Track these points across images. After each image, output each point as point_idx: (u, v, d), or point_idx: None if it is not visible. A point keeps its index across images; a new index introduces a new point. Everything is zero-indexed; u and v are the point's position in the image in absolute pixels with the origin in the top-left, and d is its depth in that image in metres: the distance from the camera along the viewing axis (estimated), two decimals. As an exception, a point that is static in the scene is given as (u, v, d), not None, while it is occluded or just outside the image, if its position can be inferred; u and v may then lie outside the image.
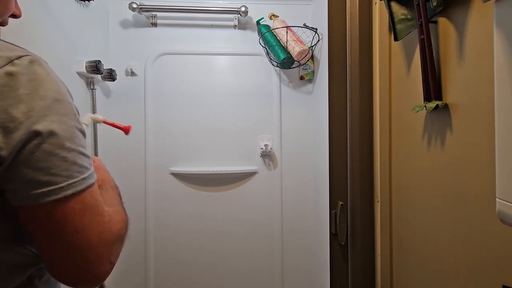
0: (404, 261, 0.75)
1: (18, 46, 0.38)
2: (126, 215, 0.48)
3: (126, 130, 0.96)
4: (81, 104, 1.20)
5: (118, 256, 0.43)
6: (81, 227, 0.36)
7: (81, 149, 0.38)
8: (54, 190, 0.34)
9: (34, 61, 0.36)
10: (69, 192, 0.35)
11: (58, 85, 0.38)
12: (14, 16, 0.48)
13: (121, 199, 0.54)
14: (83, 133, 0.40)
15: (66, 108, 0.37)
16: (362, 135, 0.86)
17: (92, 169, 0.40)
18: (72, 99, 0.41)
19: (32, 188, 0.34)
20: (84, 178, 0.37)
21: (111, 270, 0.41)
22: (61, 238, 0.36)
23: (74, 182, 0.36)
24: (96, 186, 0.40)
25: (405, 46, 0.73)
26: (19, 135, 0.33)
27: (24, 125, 0.33)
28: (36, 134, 0.34)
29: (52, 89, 0.36)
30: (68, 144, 0.36)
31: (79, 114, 0.41)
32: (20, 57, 0.35)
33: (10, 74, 0.33)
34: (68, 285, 0.39)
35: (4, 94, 0.33)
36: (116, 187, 0.59)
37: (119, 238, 0.42)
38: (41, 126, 0.34)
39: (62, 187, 0.35)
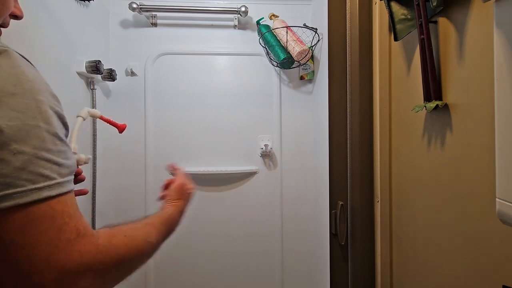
0: (404, 261, 0.75)
1: None
2: (127, 246, 0.38)
3: (120, 128, 0.96)
4: (81, 104, 1.20)
5: None
6: (20, 244, 0.29)
7: (42, 153, 0.31)
8: None
9: (1, 52, 0.32)
10: (6, 204, 0.29)
11: (23, 78, 0.32)
12: (16, 17, 0.46)
13: (157, 232, 0.48)
14: (55, 136, 0.34)
15: (26, 104, 0.31)
16: (362, 135, 0.86)
17: (60, 179, 0.33)
18: (54, 101, 0.36)
19: None
20: (37, 189, 0.30)
21: None
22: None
23: (15, 193, 0.29)
24: (65, 198, 0.33)
25: (405, 46, 0.73)
26: None
27: None
28: None
29: (10, 82, 0.31)
30: (14, 146, 0.30)
31: (61, 118, 0.36)
32: None
33: None
34: None
35: None
36: (168, 221, 0.53)
37: (84, 266, 0.32)
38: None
39: (9, 194, 0.29)
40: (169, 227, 0.53)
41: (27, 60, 0.36)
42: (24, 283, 0.29)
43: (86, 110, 0.90)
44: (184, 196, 0.62)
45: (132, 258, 0.39)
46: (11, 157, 0.29)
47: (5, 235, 0.29)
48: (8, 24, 0.46)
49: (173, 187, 0.63)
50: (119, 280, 0.37)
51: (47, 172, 0.32)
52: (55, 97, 0.37)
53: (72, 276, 0.31)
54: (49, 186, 0.32)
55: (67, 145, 0.36)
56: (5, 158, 0.29)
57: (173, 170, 0.71)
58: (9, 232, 0.29)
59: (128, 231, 0.41)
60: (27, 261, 0.29)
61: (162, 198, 0.63)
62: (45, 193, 0.31)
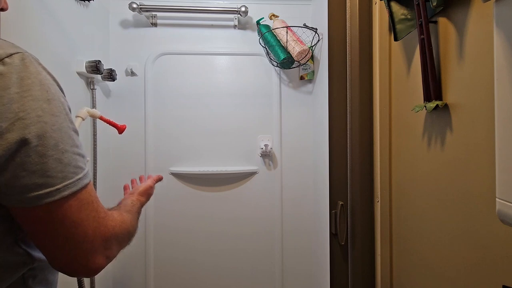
0: (404, 261, 0.75)
1: (6, 41, 0.37)
2: (130, 222, 0.51)
3: (120, 129, 0.96)
4: (81, 104, 1.20)
5: (114, 253, 0.44)
6: (77, 221, 0.38)
7: (75, 149, 0.38)
8: (50, 192, 0.35)
9: (25, 58, 0.35)
10: (66, 193, 0.36)
11: (50, 83, 0.37)
12: (2, 9, 0.48)
13: (137, 217, 0.61)
14: (76, 132, 0.40)
15: (59, 107, 0.37)
16: (362, 135, 0.86)
17: (86, 168, 0.40)
18: (64, 96, 0.40)
19: (29, 191, 0.34)
20: (79, 179, 0.38)
21: (106, 264, 0.42)
22: (58, 234, 0.37)
23: (70, 183, 0.37)
24: (91, 184, 0.41)
25: (405, 46, 0.73)
26: (12, 137, 0.32)
27: (16, 126, 0.33)
28: (30, 137, 0.33)
29: (44, 89, 0.36)
30: (61, 146, 0.36)
31: (71, 112, 0.41)
32: (10, 55, 0.34)
33: (0, 74, 0.33)
34: (67, 274, 0.40)
35: None
36: (139, 210, 0.66)
37: (115, 235, 0.43)
38: (35, 129, 0.34)
39: (58, 189, 0.35)
40: (139, 214, 0.65)
41: (36, 59, 0.39)
42: (77, 250, 0.38)
43: (85, 110, 0.89)
44: (147, 197, 0.73)
45: (133, 232, 0.53)
46: (61, 155, 0.36)
47: (65, 216, 0.37)
48: None
49: (142, 186, 0.74)
50: (123, 247, 0.48)
51: (81, 164, 0.39)
52: (62, 91, 0.41)
53: (108, 242, 0.42)
54: (84, 176, 0.39)
55: None
56: (58, 157, 0.35)
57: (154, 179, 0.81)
58: (69, 214, 0.37)
59: (127, 213, 0.54)
60: (82, 233, 0.38)
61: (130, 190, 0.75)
62: (85, 181, 0.39)
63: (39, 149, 0.34)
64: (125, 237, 0.47)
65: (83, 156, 0.40)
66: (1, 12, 0.50)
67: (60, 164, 0.36)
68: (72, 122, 0.39)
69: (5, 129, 0.32)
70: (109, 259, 0.42)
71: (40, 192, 0.34)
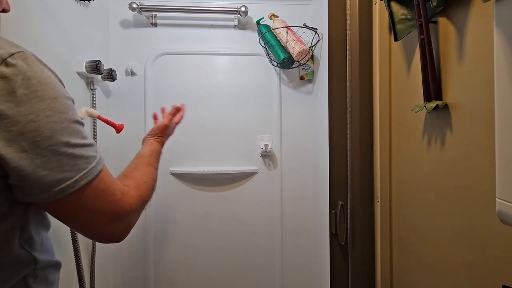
0: (404, 261, 0.75)
1: (5, 39, 0.37)
2: (148, 188, 0.56)
3: (118, 129, 0.96)
4: (81, 104, 1.20)
5: (135, 221, 0.50)
6: (96, 207, 0.42)
7: (84, 141, 0.40)
8: (70, 184, 0.38)
9: (27, 58, 0.36)
10: (83, 182, 0.39)
11: (54, 80, 0.38)
12: (4, 10, 0.48)
13: (156, 166, 0.66)
14: (82, 124, 0.42)
15: (64, 104, 0.38)
16: (362, 135, 0.86)
17: (98, 154, 0.43)
18: (64, 88, 0.41)
19: (51, 187, 0.37)
20: (93, 167, 0.41)
21: (129, 232, 0.49)
22: (82, 217, 0.42)
23: (85, 173, 0.40)
24: (105, 169, 0.44)
25: (405, 46, 0.73)
26: (25, 139, 0.34)
27: (28, 129, 0.34)
28: (43, 138, 0.35)
29: (49, 87, 0.37)
30: (72, 141, 0.38)
31: (74, 103, 0.42)
32: (12, 54, 0.34)
33: (4, 77, 0.33)
34: (96, 241, 0.47)
35: (2, 98, 0.32)
36: (158, 154, 0.71)
37: (132, 210, 0.48)
38: (45, 130, 0.35)
39: (76, 180, 0.38)
40: (158, 160, 0.70)
41: (35, 55, 0.39)
42: (101, 229, 0.44)
43: (83, 109, 0.89)
44: (165, 135, 0.80)
45: (150, 195, 0.58)
46: (74, 150, 0.38)
47: (85, 203, 0.41)
48: None
49: (158, 125, 0.80)
50: (144, 208, 0.54)
51: (92, 153, 0.42)
52: (63, 84, 0.42)
53: (127, 218, 0.47)
54: (97, 163, 0.42)
55: None
56: (71, 152, 0.38)
57: (173, 112, 0.86)
58: (88, 201, 0.41)
59: (143, 176, 0.58)
60: (102, 217, 0.43)
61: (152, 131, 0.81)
62: (99, 167, 0.42)
63: (53, 148, 0.36)
64: (144, 202, 0.53)
65: (92, 145, 0.42)
66: (2, 14, 0.49)
67: (73, 158, 0.38)
68: (76, 114, 0.41)
69: (17, 132, 0.33)
70: (130, 228, 0.49)
71: (62, 185, 0.37)
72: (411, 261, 0.72)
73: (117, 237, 0.47)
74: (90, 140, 0.42)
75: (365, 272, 0.86)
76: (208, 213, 1.48)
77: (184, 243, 1.47)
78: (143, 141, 0.78)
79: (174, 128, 0.86)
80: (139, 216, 0.52)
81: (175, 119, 0.87)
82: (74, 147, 0.38)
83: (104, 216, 0.43)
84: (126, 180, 0.54)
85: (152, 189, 0.59)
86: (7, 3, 0.48)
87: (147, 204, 0.56)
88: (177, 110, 0.87)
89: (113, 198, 0.44)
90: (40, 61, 0.38)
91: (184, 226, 1.47)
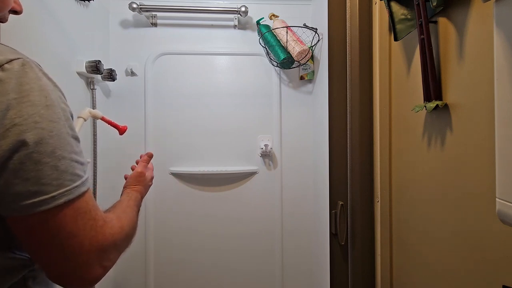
0: (404, 261, 0.75)
1: (7, 46, 0.37)
2: (129, 225, 0.48)
3: (121, 130, 0.96)
4: (81, 104, 1.20)
5: (112, 261, 0.42)
6: (73, 232, 0.36)
7: (73, 156, 0.37)
8: (44, 200, 0.34)
9: (25, 64, 0.35)
10: (61, 201, 0.35)
11: (50, 89, 0.37)
12: (15, 12, 0.47)
13: (136, 211, 0.58)
14: (77, 139, 0.39)
15: (58, 114, 0.36)
16: (362, 135, 0.86)
17: (85, 176, 0.39)
18: (66, 103, 0.39)
19: (22, 199, 0.33)
20: (76, 186, 0.36)
21: (104, 274, 0.40)
22: (53, 244, 0.35)
23: (65, 191, 0.35)
24: (89, 192, 0.39)
25: (405, 46, 0.73)
26: (6, 143, 0.32)
27: (12, 132, 0.32)
28: (25, 143, 0.32)
29: (43, 95, 0.35)
30: (59, 152, 0.35)
31: (73, 118, 0.40)
32: (10, 60, 0.34)
33: None
34: (62, 286, 0.39)
35: None
36: (138, 202, 0.63)
37: (113, 244, 0.41)
38: (30, 135, 0.33)
39: (53, 197, 0.34)
40: (139, 207, 0.63)
41: (38, 65, 0.38)
42: (73, 261, 0.36)
43: (87, 110, 0.89)
44: (141, 183, 0.71)
45: (132, 234, 0.50)
46: (57, 162, 0.35)
47: (60, 225, 0.35)
48: (7, 19, 0.46)
49: (132, 174, 0.72)
50: (122, 253, 0.46)
51: (79, 172, 0.38)
52: (64, 97, 0.40)
53: (107, 252, 0.39)
54: (82, 183, 0.38)
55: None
56: (54, 164, 0.34)
57: (143, 160, 0.78)
58: (64, 223, 0.35)
59: (126, 214, 0.51)
60: (78, 244, 0.36)
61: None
62: (83, 188, 0.38)
63: (34, 156, 0.33)
64: (124, 242, 0.45)
65: (82, 164, 0.39)
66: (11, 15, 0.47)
67: (56, 171, 0.34)
68: (73, 129, 0.38)
69: (1, 135, 0.31)
70: (107, 269, 0.40)
71: (34, 200, 0.33)
72: (411, 261, 0.72)
73: (91, 276, 0.38)
74: (81, 158, 0.38)
75: (365, 272, 0.86)
76: (208, 213, 1.48)
77: (184, 243, 1.47)
78: (122, 193, 0.68)
79: (151, 176, 0.76)
80: (119, 255, 0.44)
81: (150, 165, 0.79)
82: (59, 159, 0.35)
83: (81, 243, 0.36)
84: (106, 212, 0.47)
85: (133, 228, 0.51)
86: (17, 2, 0.46)
87: (127, 245, 0.48)
88: (150, 157, 0.79)
89: (94, 223, 0.38)
90: (41, 70, 0.37)
91: (184, 226, 1.47)
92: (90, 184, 0.41)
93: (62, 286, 0.39)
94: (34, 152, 0.33)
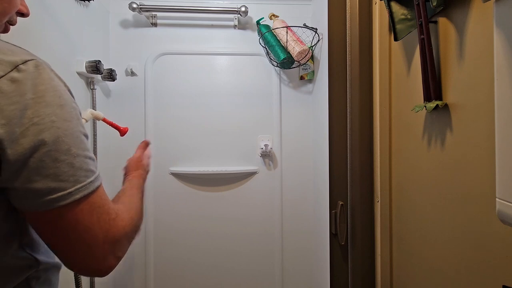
0: (404, 261, 0.75)
1: (20, 47, 0.38)
2: (137, 214, 0.50)
3: (122, 132, 0.96)
4: (81, 104, 1.20)
5: (125, 251, 0.45)
6: (89, 226, 0.38)
7: (86, 153, 0.39)
8: (63, 195, 0.36)
9: (38, 65, 0.36)
10: (78, 196, 0.37)
11: (62, 89, 0.38)
12: (22, 15, 0.47)
13: (141, 198, 0.59)
14: (87, 137, 0.41)
15: (71, 113, 0.38)
16: (362, 135, 0.86)
17: (97, 171, 0.41)
18: (75, 101, 0.41)
19: (42, 195, 0.35)
20: (91, 182, 0.39)
21: (118, 263, 0.43)
22: (71, 237, 0.38)
23: (81, 186, 0.37)
24: (102, 186, 0.41)
25: (405, 46, 0.72)
26: (27, 142, 0.33)
27: (31, 131, 0.33)
28: (44, 141, 0.34)
29: (56, 95, 0.37)
30: (74, 150, 0.37)
31: (81, 115, 0.41)
32: (25, 61, 0.35)
33: (16, 81, 0.33)
34: (81, 275, 0.42)
35: (11, 99, 0.33)
36: (141, 189, 0.63)
37: (125, 235, 0.43)
38: (48, 134, 0.34)
39: (70, 192, 0.36)
40: (143, 192, 0.63)
41: (49, 66, 0.39)
42: (89, 253, 0.39)
43: (89, 111, 0.89)
44: (141, 167, 0.71)
45: (140, 223, 0.52)
46: (73, 159, 0.37)
47: (77, 219, 0.37)
48: (16, 21, 0.47)
49: (132, 159, 0.73)
50: (132, 242, 0.48)
51: (92, 168, 0.40)
52: (73, 97, 0.41)
53: (119, 243, 0.42)
54: (95, 178, 0.40)
55: None
56: (70, 161, 0.36)
57: (141, 147, 0.79)
58: (81, 217, 0.37)
59: (132, 204, 0.53)
60: (94, 237, 0.38)
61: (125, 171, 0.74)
62: (97, 183, 0.40)
63: (53, 154, 0.35)
64: (133, 233, 0.48)
65: (93, 160, 0.41)
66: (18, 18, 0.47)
67: (72, 168, 0.36)
68: (83, 127, 0.40)
69: (20, 135, 0.33)
70: (120, 259, 0.43)
71: (53, 196, 0.35)
72: (411, 261, 0.72)
73: (106, 266, 0.41)
74: (92, 155, 0.41)
75: (365, 272, 0.86)
76: (208, 213, 1.48)
77: (184, 243, 1.47)
78: (123, 182, 0.69)
79: (148, 162, 0.77)
80: (129, 244, 0.46)
81: (147, 152, 0.79)
82: (74, 156, 0.37)
83: (96, 237, 0.39)
84: (115, 204, 0.49)
85: (141, 217, 0.53)
86: (24, 5, 0.47)
87: (136, 234, 0.50)
88: (146, 144, 0.80)
89: (107, 217, 0.41)
90: (52, 71, 0.38)
91: (184, 226, 1.47)
92: (101, 179, 0.42)
93: (81, 275, 0.42)
94: (52, 150, 0.35)
